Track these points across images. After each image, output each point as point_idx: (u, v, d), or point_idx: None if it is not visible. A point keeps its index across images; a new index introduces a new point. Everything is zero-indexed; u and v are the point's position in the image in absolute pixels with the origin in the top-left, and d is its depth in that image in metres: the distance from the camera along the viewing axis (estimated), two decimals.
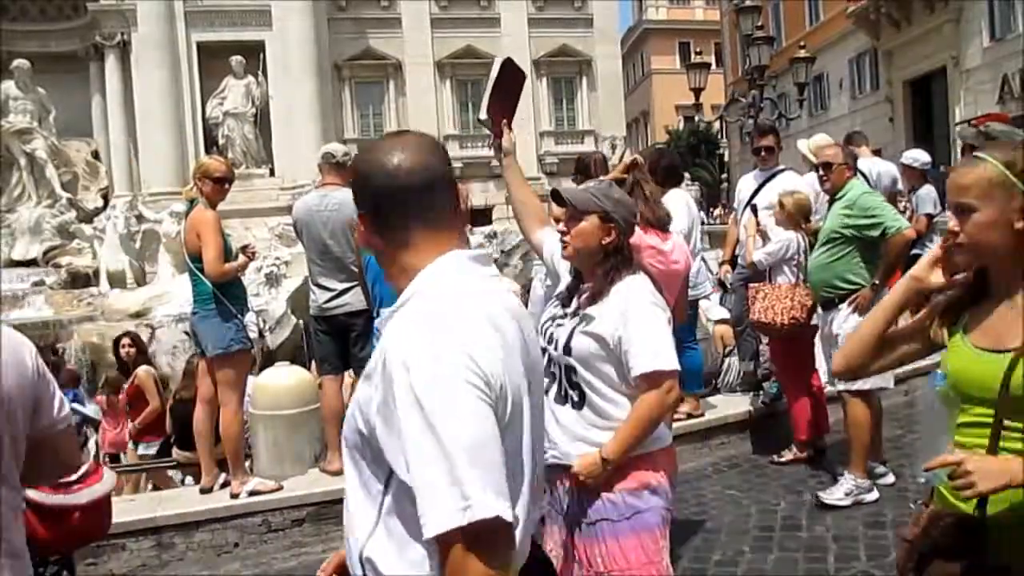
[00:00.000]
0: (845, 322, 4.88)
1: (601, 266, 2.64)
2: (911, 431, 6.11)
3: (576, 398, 2.61)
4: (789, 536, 4.53)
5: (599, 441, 2.55)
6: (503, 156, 3.06)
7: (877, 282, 4.81)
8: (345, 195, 5.19)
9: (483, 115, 2.98)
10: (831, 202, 5.08)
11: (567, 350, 2.59)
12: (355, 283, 5.10)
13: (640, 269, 2.72)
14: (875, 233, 4.79)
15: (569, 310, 2.69)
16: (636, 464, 2.55)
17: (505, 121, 3.02)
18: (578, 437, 2.58)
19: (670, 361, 2.56)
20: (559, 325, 2.67)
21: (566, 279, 2.83)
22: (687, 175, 27.39)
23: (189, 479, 7.62)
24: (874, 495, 4.86)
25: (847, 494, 4.83)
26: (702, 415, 6.00)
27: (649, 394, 2.54)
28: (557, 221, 2.73)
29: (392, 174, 1.54)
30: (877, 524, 4.53)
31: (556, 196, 2.72)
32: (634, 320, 2.55)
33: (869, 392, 4.89)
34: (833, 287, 4.95)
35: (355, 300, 5.11)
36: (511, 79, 3.07)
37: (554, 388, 2.66)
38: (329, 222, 5.14)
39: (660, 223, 4.03)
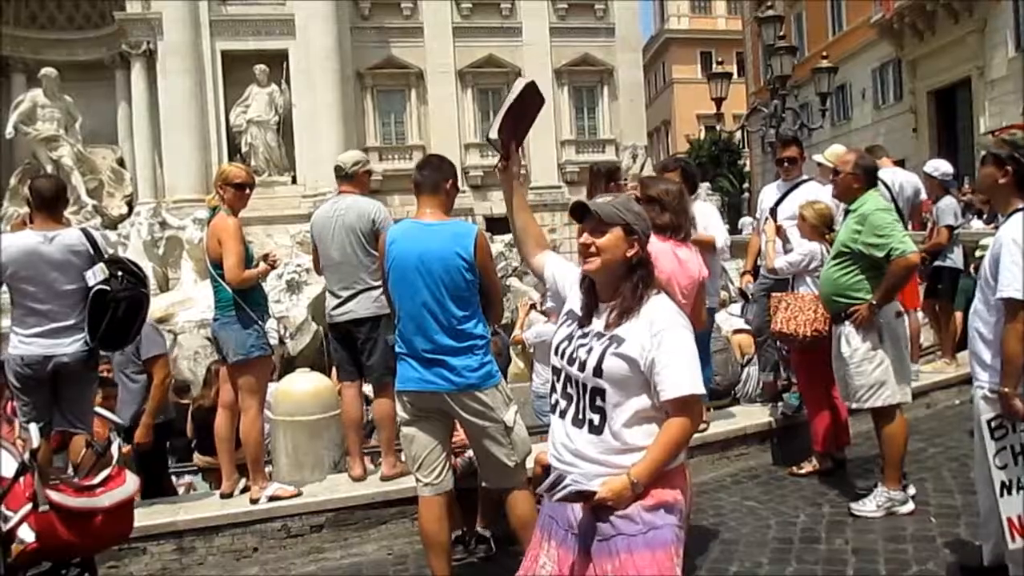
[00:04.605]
0: (850, 346, 4.88)
1: (626, 280, 2.60)
2: (933, 444, 6.06)
3: (596, 422, 2.56)
4: (808, 548, 4.50)
5: (618, 464, 2.51)
6: (508, 179, 3.07)
7: (875, 302, 4.79)
8: (353, 201, 5.24)
9: (493, 134, 2.94)
10: (846, 213, 5.06)
11: (598, 372, 2.54)
12: (361, 290, 5.12)
13: (659, 286, 2.69)
14: (880, 254, 4.76)
15: (591, 329, 2.63)
16: (654, 483, 2.52)
17: (514, 145, 3.02)
18: (594, 461, 2.53)
19: (700, 385, 2.54)
20: (582, 345, 2.61)
21: (574, 299, 2.77)
22: (707, 184, 27.35)
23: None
24: (909, 507, 4.82)
25: (879, 507, 4.80)
26: (706, 427, 5.86)
27: (679, 418, 2.52)
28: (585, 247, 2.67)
29: None
30: (897, 538, 4.49)
31: (579, 208, 2.68)
32: (667, 343, 2.51)
33: (893, 407, 4.88)
34: (838, 301, 4.93)
35: (359, 308, 5.13)
36: (530, 103, 3.04)
37: (571, 410, 2.62)
38: (336, 228, 5.17)
39: (684, 231, 4.04)
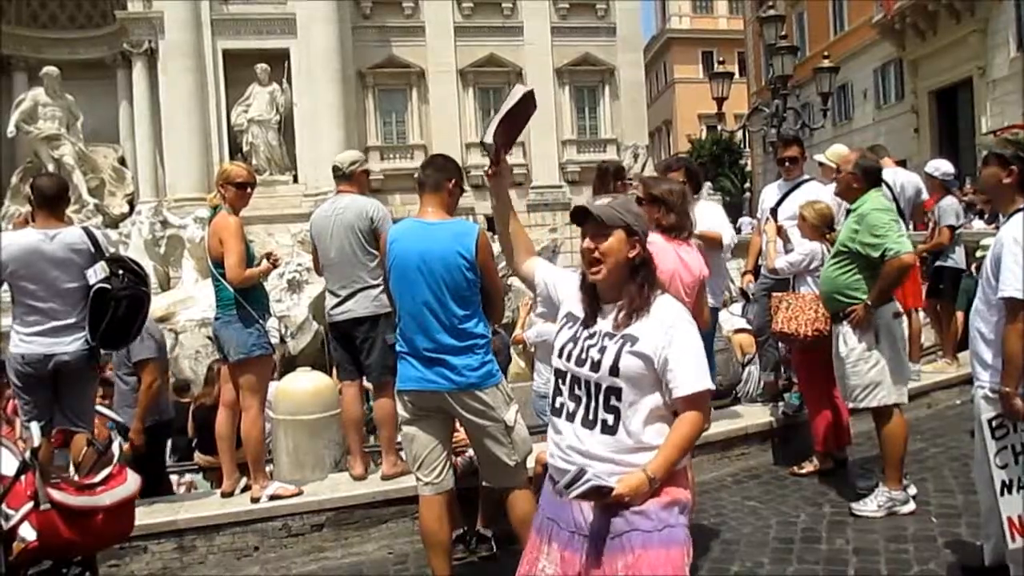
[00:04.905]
0: (846, 345, 4.89)
1: (631, 281, 2.62)
2: (934, 444, 6.06)
3: (611, 422, 2.56)
4: (808, 548, 4.50)
5: (631, 462, 2.52)
6: (498, 184, 3.07)
7: (870, 302, 4.80)
8: (351, 200, 5.24)
9: (488, 139, 2.94)
10: (848, 212, 5.08)
11: (614, 371, 2.54)
12: (359, 289, 5.12)
13: (661, 285, 2.70)
14: (876, 254, 4.76)
15: (598, 329, 2.63)
16: (667, 481, 2.54)
17: (504, 150, 3.02)
18: (607, 461, 2.53)
19: (709, 381, 2.58)
20: (592, 346, 2.60)
21: (572, 302, 2.77)
22: (709, 184, 27.35)
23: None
24: (910, 507, 4.82)
25: (880, 506, 4.80)
26: (708, 427, 5.87)
27: (691, 413, 2.55)
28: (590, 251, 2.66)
29: None
30: (898, 538, 4.49)
31: (580, 213, 2.68)
32: (678, 340, 2.54)
33: (890, 407, 4.88)
34: (837, 300, 4.94)
35: (357, 307, 5.12)
36: (525, 110, 3.05)
37: (581, 412, 2.61)
38: (335, 227, 5.17)
39: (686, 231, 4.05)
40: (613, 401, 2.56)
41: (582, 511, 2.59)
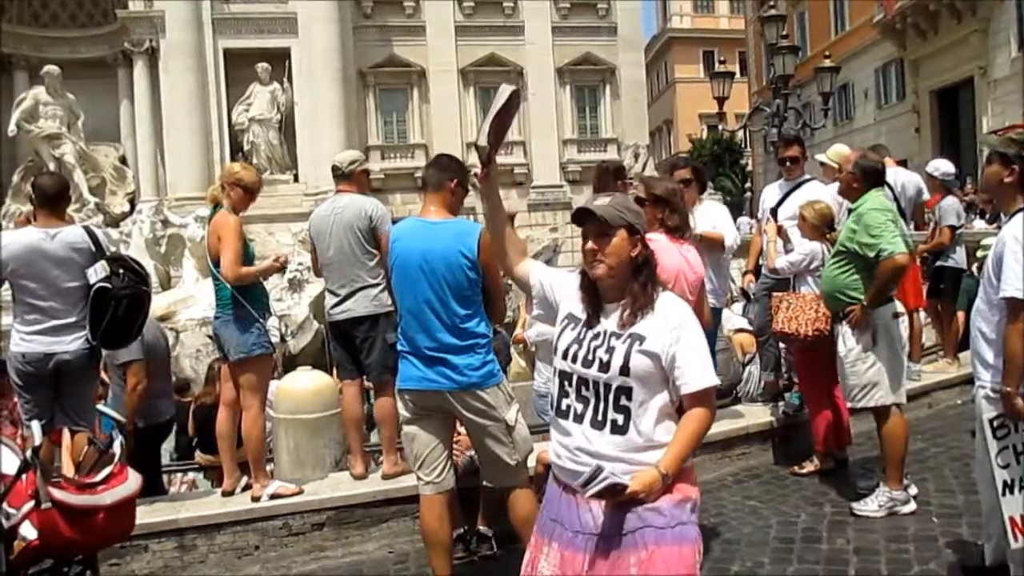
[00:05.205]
0: (845, 345, 4.90)
1: (634, 280, 2.62)
2: (935, 444, 6.06)
3: (621, 422, 2.56)
4: (809, 548, 4.50)
5: (640, 461, 2.52)
6: (490, 185, 3.05)
7: (866, 303, 4.81)
8: (350, 200, 5.24)
9: (483, 141, 2.95)
10: (850, 212, 5.09)
11: (624, 370, 2.54)
12: (359, 288, 5.12)
13: (662, 283, 2.70)
14: (872, 254, 4.77)
15: (603, 329, 2.62)
16: (677, 478, 2.55)
17: (493, 151, 3.03)
18: (616, 460, 2.52)
19: (715, 377, 2.62)
20: (599, 346, 2.60)
21: (571, 302, 2.76)
22: (710, 184, 27.34)
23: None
24: (911, 507, 4.83)
25: (880, 506, 4.81)
26: None
27: (699, 409, 2.58)
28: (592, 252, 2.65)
29: None
30: (899, 538, 4.49)
31: (582, 215, 2.66)
32: (685, 338, 2.56)
33: (889, 407, 4.88)
34: (838, 299, 4.95)
35: (357, 306, 5.13)
36: (510, 109, 3.06)
37: (589, 413, 2.60)
38: (335, 227, 5.17)
39: (683, 231, 4.06)
40: (623, 401, 2.56)
41: (590, 510, 2.59)
